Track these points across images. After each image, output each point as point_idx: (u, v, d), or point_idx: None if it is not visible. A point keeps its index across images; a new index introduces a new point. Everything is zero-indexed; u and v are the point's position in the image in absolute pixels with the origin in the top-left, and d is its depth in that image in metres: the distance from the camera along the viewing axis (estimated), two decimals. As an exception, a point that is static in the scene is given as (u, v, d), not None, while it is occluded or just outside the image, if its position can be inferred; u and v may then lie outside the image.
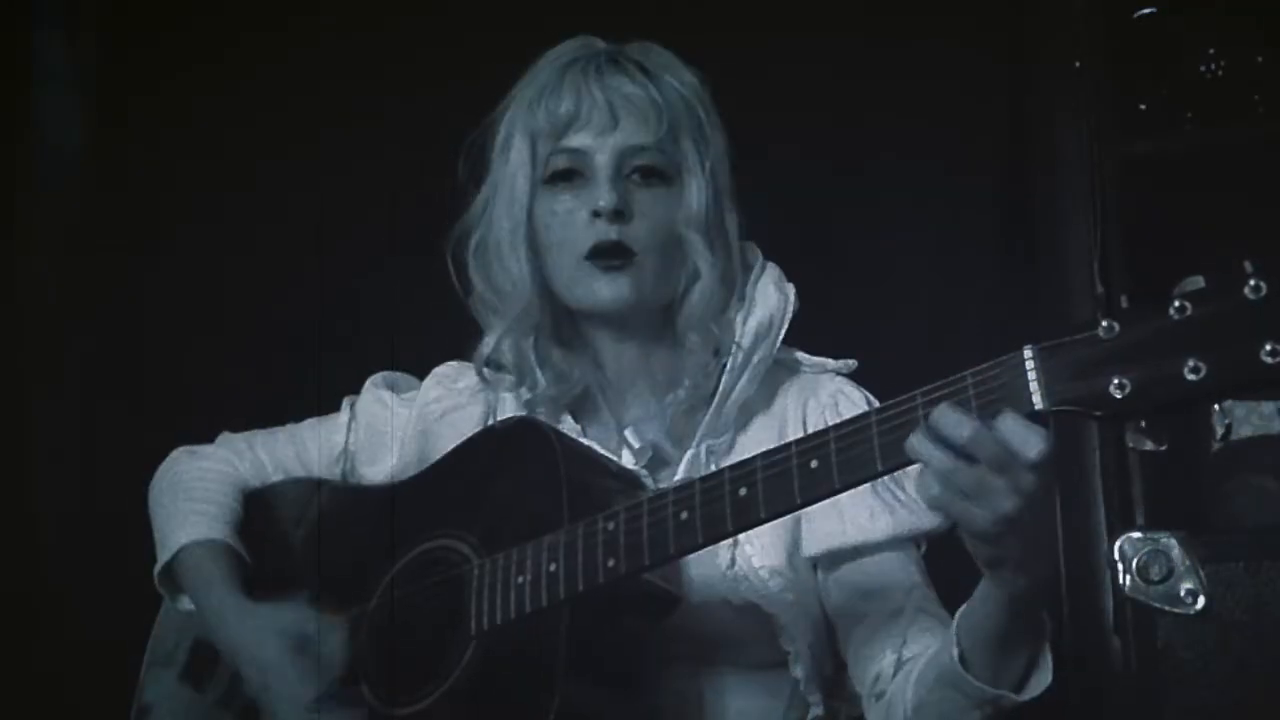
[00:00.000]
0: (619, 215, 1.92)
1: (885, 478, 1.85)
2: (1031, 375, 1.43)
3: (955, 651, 1.65)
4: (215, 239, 2.87)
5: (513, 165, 1.98)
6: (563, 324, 2.01)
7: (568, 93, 1.95)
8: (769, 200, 2.08)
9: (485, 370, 2.03)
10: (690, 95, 1.99)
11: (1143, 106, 2.37)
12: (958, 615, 1.67)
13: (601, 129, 1.94)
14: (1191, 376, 1.34)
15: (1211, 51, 2.36)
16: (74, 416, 2.92)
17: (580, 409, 2.03)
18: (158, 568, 2.06)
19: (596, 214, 1.92)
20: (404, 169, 2.72)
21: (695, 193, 1.96)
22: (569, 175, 1.96)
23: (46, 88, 2.97)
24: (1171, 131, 2.37)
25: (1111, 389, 1.38)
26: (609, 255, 1.92)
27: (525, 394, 2.01)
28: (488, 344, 2.01)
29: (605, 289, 1.93)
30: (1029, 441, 1.43)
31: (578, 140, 1.95)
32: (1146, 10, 2.40)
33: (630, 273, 1.93)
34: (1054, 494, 1.52)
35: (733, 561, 1.89)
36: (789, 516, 1.85)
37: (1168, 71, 2.37)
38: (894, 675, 1.80)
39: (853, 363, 2.04)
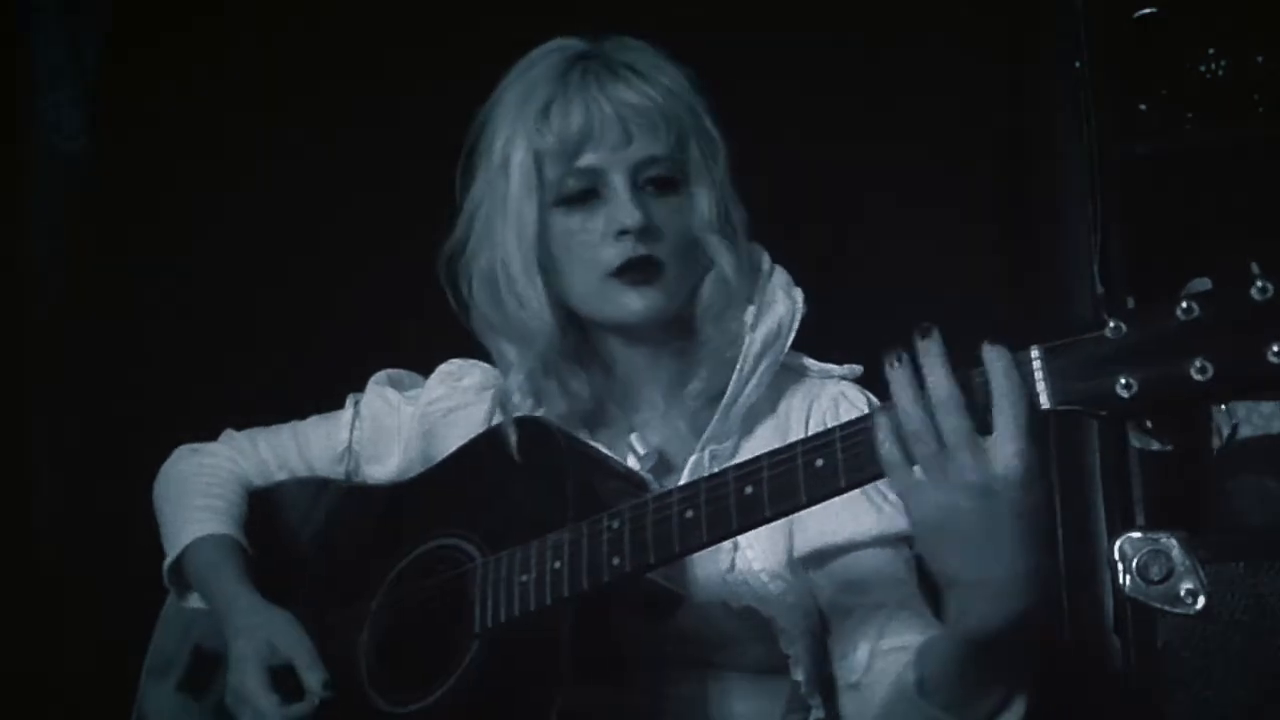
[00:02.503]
0: (645, 232, 1.88)
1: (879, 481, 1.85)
2: (1038, 374, 1.42)
3: (913, 675, 1.62)
4: (215, 238, 2.87)
5: (517, 187, 1.91)
6: (572, 336, 1.97)
7: (575, 110, 1.89)
8: (768, 200, 2.07)
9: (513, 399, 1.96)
10: (689, 97, 1.96)
11: (1143, 106, 2.38)
12: (922, 641, 1.64)
13: (615, 145, 1.89)
14: (1198, 377, 1.34)
15: (1211, 51, 2.36)
16: (74, 416, 2.93)
17: (591, 416, 2.00)
18: (166, 564, 2.05)
19: (624, 232, 1.88)
20: (404, 167, 2.73)
21: (705, 195, 1.93)
22: (584, 195, 1.91)
23: (46, 88, 2.98)
24: (1171, 131, 2.37)
25: (1118, 389, 1.38)
26: (639, 270, 1.89)
27: (540, 412, 1.96)
28: (515, 379, 1.95)
29: (636, 302, 1.89)
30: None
31: (591, 159, 1.90)
32: (1146, 10, 2.40)
33: (660, 284, 1.90)
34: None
35: (733, 565, 1.88)
36: (787, 519, 1.85)
37: (1168, 71, 2.37)
38: (868, 667, 1.78)
39: (858, 368, 2.02)
